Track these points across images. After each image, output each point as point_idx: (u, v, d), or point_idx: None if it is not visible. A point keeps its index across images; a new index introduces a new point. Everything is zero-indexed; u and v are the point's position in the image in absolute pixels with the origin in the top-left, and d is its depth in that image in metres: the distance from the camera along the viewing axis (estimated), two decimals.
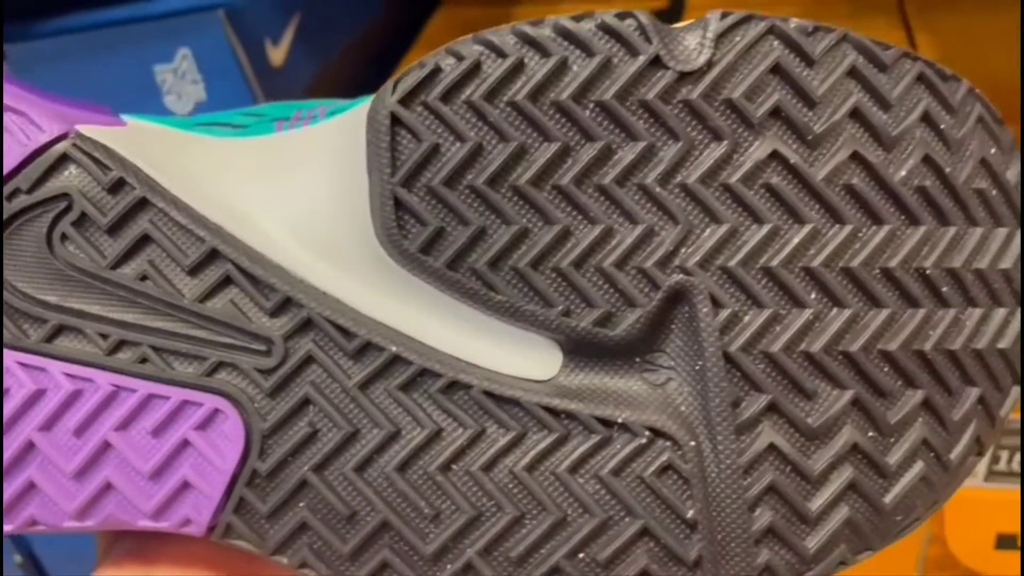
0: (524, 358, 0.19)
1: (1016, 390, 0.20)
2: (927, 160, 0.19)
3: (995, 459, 0.31)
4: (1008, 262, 0.19)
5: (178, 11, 0.40)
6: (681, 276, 0.18)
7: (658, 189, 0.18)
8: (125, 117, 0.22)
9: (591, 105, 0.18)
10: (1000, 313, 0.19)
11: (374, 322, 0.19)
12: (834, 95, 0.18)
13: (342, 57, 0.48)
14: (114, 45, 0.41)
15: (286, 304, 0.19)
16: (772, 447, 0.18)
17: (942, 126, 0.19)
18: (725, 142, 0.18)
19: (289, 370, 0.19)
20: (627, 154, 0.18)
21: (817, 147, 0.18)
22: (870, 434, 0.18)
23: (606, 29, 0.18)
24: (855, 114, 0.18)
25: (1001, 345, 0.19)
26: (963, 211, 0.19)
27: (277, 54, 0.44)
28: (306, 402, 0.19)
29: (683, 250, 0.18)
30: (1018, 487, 0.31)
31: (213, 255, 0.19)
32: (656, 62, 0.18)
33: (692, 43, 0.18)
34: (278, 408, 0.19)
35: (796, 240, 0.18)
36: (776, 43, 0.18)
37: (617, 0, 0.52)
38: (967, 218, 0.19)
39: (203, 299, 0.19)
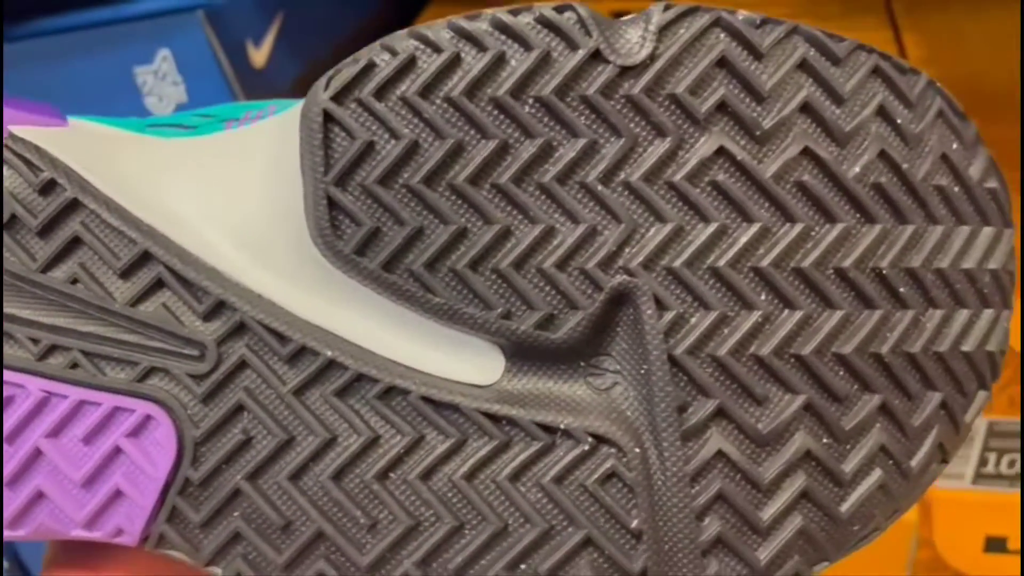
0: (465, 362, 0.18)
1: (983, 395, 0.19)
2: (883, 156, 0.18)
3: (983, 462, 0.30)
4: (971, 262, 0.19)
5: (158, 12, 0.40)
6: (624, 277, 0.17)
7: (600, 187, 0.17)
8: (72, 119, 0.21)
9: (530, 101, 0.17)
10: (963, 315, 0.19)
11: (310, 326, 0.18)
12: (784, 89, 0.18)
13: (327, 58, 0.48)
14: (93, 47, 0.41)
15: (219, 307, 0.18)
16: (720, 454, 0.17)
17: (899, 121, 0.18)
18: (669, 138, 0.17)
19: (222, 375, 0.18)
20: (568, 151, 0.17)
21: (766, 143, 0.18)
22: (824, 440, 0.18)
23: (544, 23, 0.17)
24: (806, 108, 0.18)
25: (965, 348, 0.19)
26: (922, 209, 0.18)
27: (259, 55, 0.43)
28: (240, 408, 0.18)
29: (627, 250, 0.17)
30: (1007, 490, 0.30)
31: (145, 257, 0.18)
32: (596, 56, 0.17)
33: (634, 36, 0.17)
34: (211, 415, 0.18)
35: (744, 239, 0.17)
36: (722, 36, 0.17)
37: None
38: (926, 216, 0.18)
39: (134, 303, 0.18)
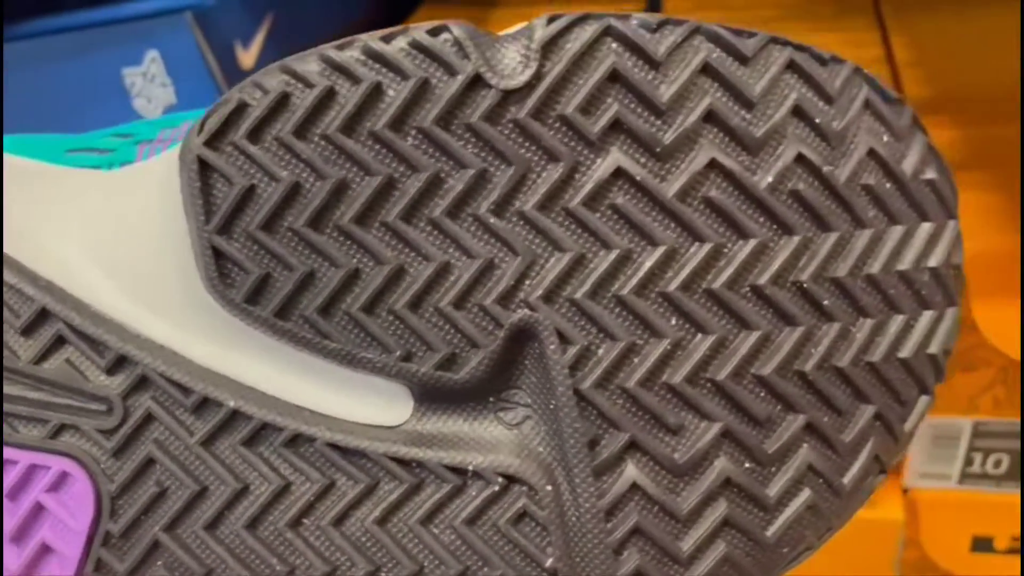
0: (371, 404, 0.18)
1: (924, 400, 0.18)
2: (800, 160, 0.17)
3: (969, 462, 0.29)
4: (906, 262, 0.17)
5: (146, 14, 0.40)
6: (525, 312, 0.17)
7: (493, 219, 0.16)
8: None
9: (412, 132, 0.16)
10: (898, 320, 0.17)
11: (212, 374, 0.18)
12: (685, 98, 0.16)
13: None
14: (82, 48, 0.41)
15: (121, 361, 0.18)
16: (636, 487, 0.17)
17: (818, 119, 0.17)
18: (562, 163, 0.16)
19: (130, 429, 0.18)
20: (457, 183, 0.16)
21: (668, 159, 0.16)
22: (746, 465, 0.17)
23: (418, 48, 0.16)
24: (711, 117, 0.16)
25: (902, 354, 0.18)
26: (847, 212, 0.17)
27: (247, 57, 0.43)
28: (151, 461, 0.18)
29: (526, 283, 0.17)
30: (993, 490, 0.29)
31: (44, 315, 0.18)
32: (478, 80, 0.16)
33: (515, 56, 0.16)
34: (124, 469, 0.18)
35: (649, 264, 0.16)
36: (614, 46, 0.16)
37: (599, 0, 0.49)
38: (852, 220, 0.17)
39: (38, 360, 0.18)
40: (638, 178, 0.16)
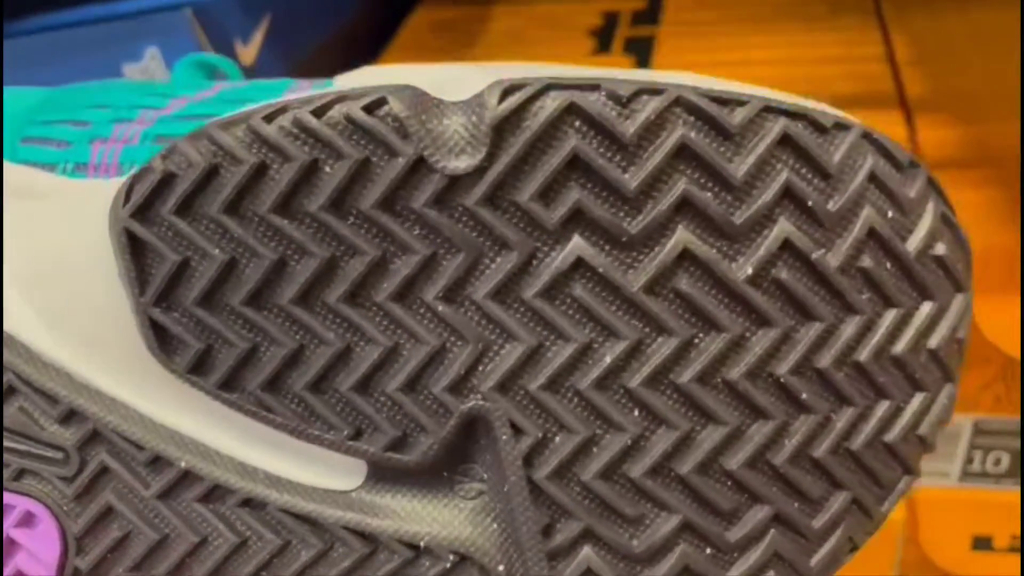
0: (325, 468, 0.17)
1: (907, 479, 0.17)
2: (786, 246, 0.15)
3: (969, 459, 0.28)
4: (900, 346, 0.16)
5: (146, 10, 0.38)
6: (476, 401, 0.16)
7: (442, 306, 0.15)
8: None
9: (352, 213, 0.15)
10: (885, 406, 0.16)
11: (166, 430, 0.17)
12: (657, 183, 0.14)
13: (316, 56, 0.46)
14: (82, 45, 0.40)
15: (71, 414, 0.17)
16: (590, 572, 0.16)
17: (810, 201, 0.15)
18: (516, 252, 0.15)
19: (88, 479, 0.18)
20: (402, 267, 0.15)
21: (635, 248, 0.15)
22: (707, 552, 0.16)
23: (355, 125, 0.14)
24: (685, 204, 0.15)
25: (888, 439, 0.16)
26: (837, 300, 0.15)
27: (247, 53, 0.41)
28: (111, 509, 0.18)
29: (478, 371, 0.16)
30: (993, 488, 0.28)
31: None
32: (421, 163, 0.14)
33: (464, 134, 0.14)
34: (86, 513, 0.18)
35: (611, 358, 0.15)
36: (577, 123, 0.14)
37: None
38: (843, 306, 0.15)
39: None
40: (600, 269, 0.15)
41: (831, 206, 0.15)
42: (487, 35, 0.36)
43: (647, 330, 0.15)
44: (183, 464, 0.17)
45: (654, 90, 0.14)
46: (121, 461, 0.18)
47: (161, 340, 0.16)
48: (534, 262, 0.15)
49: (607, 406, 0.15)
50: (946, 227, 0.16)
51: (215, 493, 0.17)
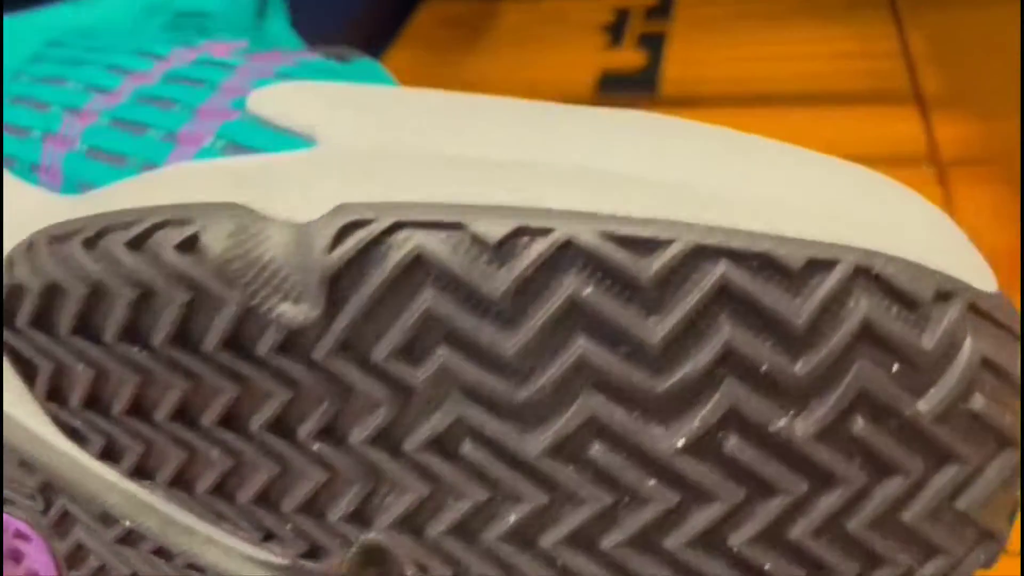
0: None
1: None
2: (733, 416, 0.11)
3: None
4: (909, 515, 0.12)
5: None
6: (376, 534, 0.14)
7: (318, 446, 0.13)
8: None
9: (199, 353, 0.12)
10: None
11: (108, 486, 0.17)
12: (544, 349, 0.11)
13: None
14: None
15: (24, 462, 0.17)
16: None
17: (764, 367, 0.11)
18: (383, 408, 0.12)
19: (55, 518, 0.18)
20: (266, 405, 0.13)
21: (525, 418, 0.11)
22: None
23: (170, 267, 0.11)
24: (585, 366, 0.11)
25: None
26: (801, 472, 0.12)
27: None
28: (81, 546, 0.18)
29: (372, 504, 0.13)
30: None
31: None
32: (251, 313, 0.11)
33: (295, 280, 0.11)
34: (64, 543, 0.18)
35: (515, 517, 0.12)
36: (433, 275, 0.11)
37: None
38: (815, 479, 0.12)
39: None
40: (487, 435, 0.12)
41: (800, 370, 0.11)
42: (495, 31, 0.35)
43: (554, 494, 0.12)
44: (127, 523, 0.17)
45: (538, 230, 0.10)
46: (80, 507, 0.17)
47: (67, 431, 0.15)
48: (406, 420, 0.12)
49: (517, 560, 0.13)
50: (988, 372, 0.11)
51: (162, 551, 0.17)
